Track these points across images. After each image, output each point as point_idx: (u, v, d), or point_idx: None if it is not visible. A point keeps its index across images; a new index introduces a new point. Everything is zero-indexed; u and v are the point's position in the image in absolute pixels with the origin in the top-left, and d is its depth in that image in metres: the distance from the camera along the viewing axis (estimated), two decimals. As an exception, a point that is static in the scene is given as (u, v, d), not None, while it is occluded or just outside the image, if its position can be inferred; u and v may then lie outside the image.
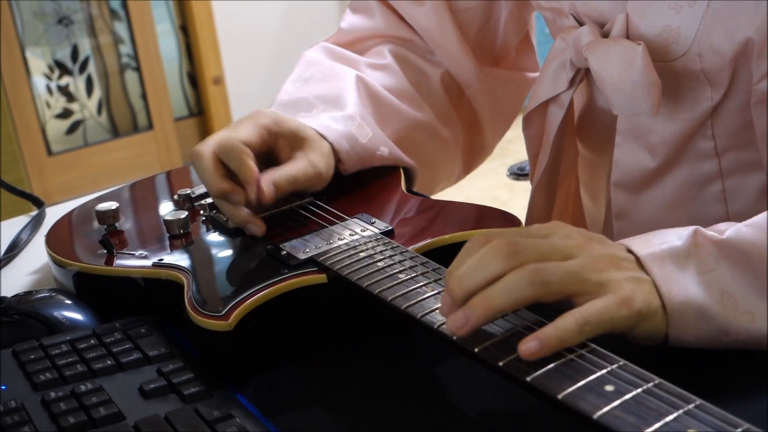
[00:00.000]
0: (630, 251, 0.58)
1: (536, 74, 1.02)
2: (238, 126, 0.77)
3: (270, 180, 0.74)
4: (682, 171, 0.78)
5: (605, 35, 0.77)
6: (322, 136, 0.81)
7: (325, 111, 0.85)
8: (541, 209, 0.90)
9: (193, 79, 3.41)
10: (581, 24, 0.80)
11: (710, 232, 0.58)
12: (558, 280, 0.54)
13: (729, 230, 0.58)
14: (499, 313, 0.54)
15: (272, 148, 0.79)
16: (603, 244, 0.58)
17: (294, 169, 0.77)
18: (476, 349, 0.53)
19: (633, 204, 0.82)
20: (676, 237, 0.58)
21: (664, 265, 0.56)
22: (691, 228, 0.58)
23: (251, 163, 0.74)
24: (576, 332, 0.52)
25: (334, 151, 0.82)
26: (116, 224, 0.81)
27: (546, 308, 0.57)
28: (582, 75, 0.82)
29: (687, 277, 0.56)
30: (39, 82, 3.13)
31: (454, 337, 0.54)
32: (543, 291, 0.54)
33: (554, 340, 0.51)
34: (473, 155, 1.04)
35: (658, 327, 0.56)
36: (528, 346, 0.51)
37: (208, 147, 0.76)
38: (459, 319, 0.54)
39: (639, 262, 0.57)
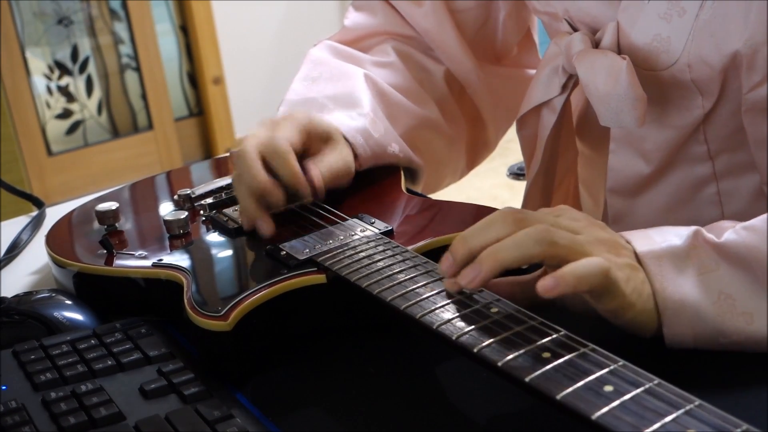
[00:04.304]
0: (629, 244, 0.59)
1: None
2: (279, 126, 0.77)
3: (318, 175, 0.76)
4: (676, 175, 0.78)
5: (597, 43, 0.77)
6: None
7: (337, 109, 0.85)
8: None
9: (193, 79, 3.41)
10: (575, 29, 0.80)
11: (710, 234, 0.58)
12: (566, 244, 0.55)
13: (728, 233, 0.58)
14: (507, 268, 0.56)
15: (307, 147, 0.80)
16: (605, 230, 0.60)
17: (333, 162, 0.78)
18: (476, 349, 0.53)
19: (629, 209, 0.82)
20: (676, 236, 0.59)
21: (662, 263, 0.57)
22: (692, 228, 0.59)
23: (296, 164, 0.75)
24: (595, 269, 0.53)
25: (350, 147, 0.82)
26: (116, 224, 0.81)
27: (553, 311, 0.58)
28: (575, 80, 0.82)
29: (685, 277, 0.56)
30: (39, 83, 3.13)
31: (454, 337, 0.54)
32: (550, 251, 0.55)
33: (570, 277, 0.53)
34: (477, 151, 1.05)
35: (647, 319, 0.57)
36: (546, 282, 0.52)
37: (252, 145, 0.76)
38: (469, 273, 0.56)
39: (636, 257, 0.58)
